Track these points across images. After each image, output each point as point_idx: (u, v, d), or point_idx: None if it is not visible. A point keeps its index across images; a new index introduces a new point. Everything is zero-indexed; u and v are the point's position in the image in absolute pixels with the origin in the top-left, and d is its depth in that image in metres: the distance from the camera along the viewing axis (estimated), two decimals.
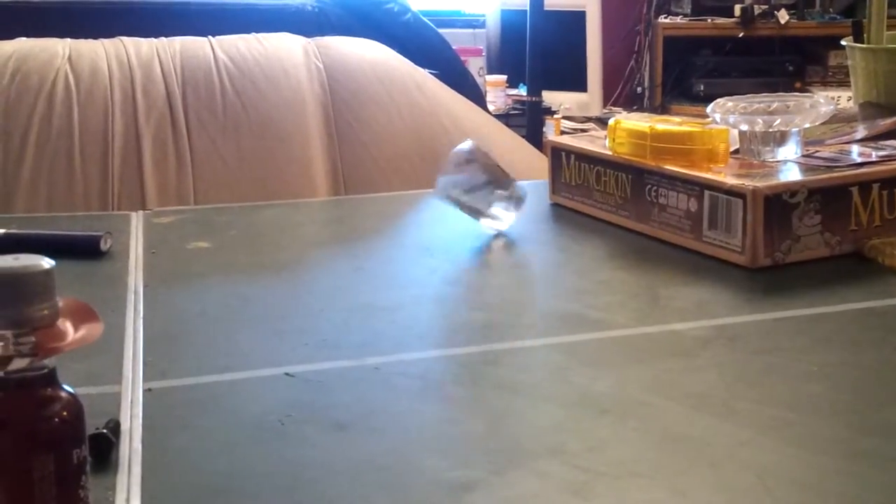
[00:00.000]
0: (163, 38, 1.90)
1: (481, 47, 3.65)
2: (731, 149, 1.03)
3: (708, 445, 0.62)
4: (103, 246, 1.02)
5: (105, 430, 0.62)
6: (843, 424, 0.65)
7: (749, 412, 0.66)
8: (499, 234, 1.08)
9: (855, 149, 1.06)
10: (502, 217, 1.08)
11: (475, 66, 3.38)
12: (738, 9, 3.93)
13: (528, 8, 3.08)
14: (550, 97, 3.43)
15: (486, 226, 1.08)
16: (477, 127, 1.96)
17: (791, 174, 0.97)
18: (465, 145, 1.08)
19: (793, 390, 0.69)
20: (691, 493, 0.57)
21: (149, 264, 1.00)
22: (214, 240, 1.08)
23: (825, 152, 1.04)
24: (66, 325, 0.46)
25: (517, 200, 1.08)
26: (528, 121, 3.20)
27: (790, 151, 1.02)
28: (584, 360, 0.75)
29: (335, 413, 0.67)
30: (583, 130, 3.53)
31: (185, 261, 1.02)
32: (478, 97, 2.28)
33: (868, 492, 0.57)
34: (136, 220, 1.15)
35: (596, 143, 1.13)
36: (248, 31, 1.96)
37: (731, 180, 0.94)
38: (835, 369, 0.73)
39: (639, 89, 4.16)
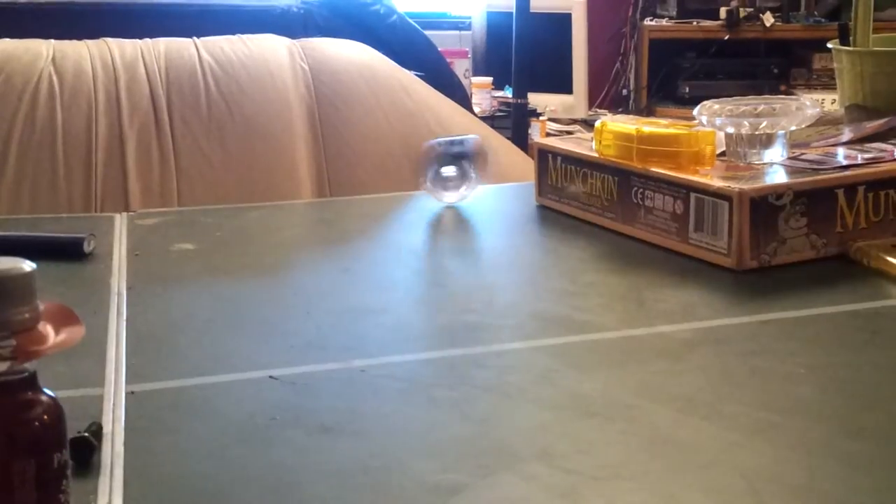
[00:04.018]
0: (147, 40, 1.89)
1: (467, 49, 3.65)
2: (718, 151, 1.03)
3: (695, 448, 0.62)
4: (86, 248, 1.02)
5: (87, 434, 0.61)
6: (830, 426, 0.65)
7: (736, 415, 0.66)
8: (456, 210, 1.15)
9: (841, 151, 1.06)
10: (453, 195, 1.15)
11: (461, 67, 3.38)
12: (723, 11, 3.94)
13: (513, 10, 3.08)
14: (536, 99, 3.43)
15: (437, 198, 1.15)
16: (462, 129, 1.95)
17: (777, 176, 0.97)
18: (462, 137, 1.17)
19: (780, 393, 0.69)
20: (679, 496, 0.56)
21: (132, 266, 0.99)
22: (199, 242, 1.08)
23: (811, 155, 1.04)
24: (47, 329, 0.46)
25: (469, 183, 1.15)
26: (513, 123, 3.20)
27: (776, 154, 1.02)
28: (570, 362, 0.75)
29: (321, 416, 0.66)
30: (568, 132, 3.53)
31: (169, 263, 1.01)
32: (463, 99, 2.28)
33: (856, 494, 0.57)
34: (120, 222, 1.14)
35: (582, 145, 1.13)
36: (233, 33, 1.96)
37: (717, 182, 0.94)
38: (822, 371, 0.73)
39: (624, 91, 4.16)
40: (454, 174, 1.14)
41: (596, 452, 0.61)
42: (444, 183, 1.14)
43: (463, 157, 1.14)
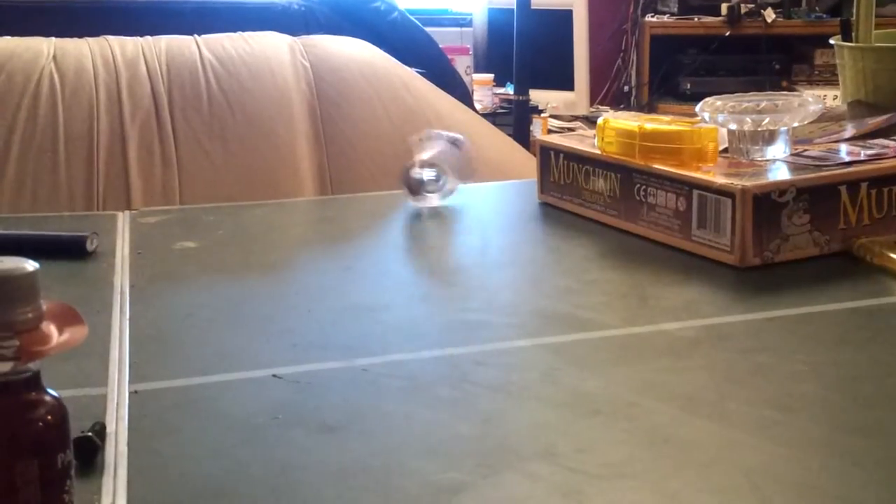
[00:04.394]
0: (148, 37, 1.89)
1: (468, 46, 3.65)
2: (720, 148, 1.03)
3: (698, 446, 0.62)
4: (89, 246, 1.02)
5: (90, 434, 0.61)
6: (832, 424, 0.64)
7: (739, 412, 0.66)
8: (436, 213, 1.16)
9: (843, 148, 1.06)
10: (428, 199, 1.15)
11: (462, 64, 3.38)
12: (724, 7, 3.94)
13: (515, 7, 3.08)
14: (537, 96, 3.43)
15: (414, 201, 1.15)
16: (464, 126, 1.95)
17: (780, 173, 0.97)
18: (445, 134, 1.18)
19: (782, 390, 0.69)
20: (681, 494, 0.56)
21: (135, 265, 0.99)
22: (201, 240, 1.08)
23: (814, 151, 1.04)
24: (51, 329, 0.46)
25: (448, 190, 1.15)
26: (515, 120, 3.20)
27: (779, 150, 1.02)
28: (573, 360, 0.75)
29: (323, 415, 0.66)
30: (570, 129, 3.53)
31: (172, 261, 1.01)
32: (465, 96, 2.28)
33: (858, 491, 0.57)
34: (123, 221, 1.14)
35: (585, 142, 1.13)
36: (234, 30, 1.96)
37: (720, 179, 0.94)
38: (824, 368, 0.73)
39: (626, 88, 4.16)
40: (432, 177, 1.14)
41: (598, 451, 0.61)
42: (422, 186, 1.14)
43: (440, 159, 1.14)
